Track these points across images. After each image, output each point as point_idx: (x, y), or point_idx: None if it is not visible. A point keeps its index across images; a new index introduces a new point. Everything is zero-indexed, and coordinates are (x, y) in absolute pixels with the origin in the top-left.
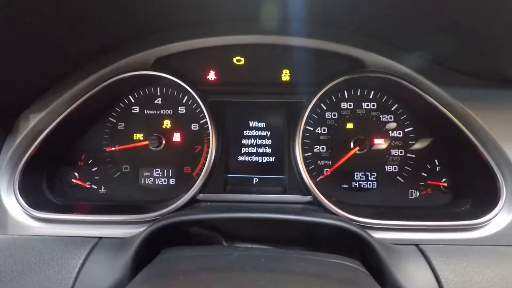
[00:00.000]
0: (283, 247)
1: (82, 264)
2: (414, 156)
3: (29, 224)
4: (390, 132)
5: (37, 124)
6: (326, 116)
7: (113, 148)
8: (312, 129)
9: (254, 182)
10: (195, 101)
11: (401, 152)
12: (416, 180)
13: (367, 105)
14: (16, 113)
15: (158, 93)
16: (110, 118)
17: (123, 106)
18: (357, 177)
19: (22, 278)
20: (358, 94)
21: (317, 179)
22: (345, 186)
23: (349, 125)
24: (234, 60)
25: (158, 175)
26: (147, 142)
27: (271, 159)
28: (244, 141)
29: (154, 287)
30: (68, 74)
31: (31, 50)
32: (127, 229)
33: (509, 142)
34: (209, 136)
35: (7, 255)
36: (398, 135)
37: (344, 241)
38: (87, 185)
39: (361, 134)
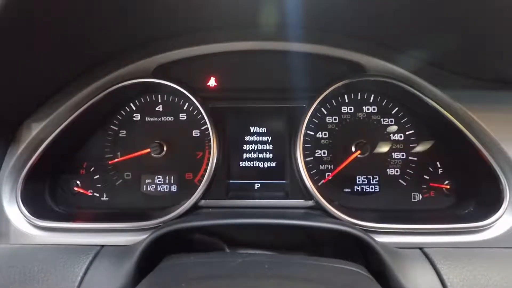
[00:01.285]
0: (286, 253)
1: (85, 273)
2: (416, 159)
3: (32, 233)
4: (391, 135)
5: (39, 133)
6: (327, 121)
7: (116, 160)
8: (313, 133)
9: (256, 188)
10: (196, 107)
11: (402, 155)
12: (418, 183)
13: (368, 109)
14: (18, 122)
15: (159, 100)
16: (111, 126)
17: (124, 113)
18: (359, 181)
19: (25, 287)
20: (358, 98)
21: (319, 184)
22: (347, 190)
23: (350, 129)
24: (234, 66)
25: (160, 182)
26: (148, 150)
27: (273, 164)
28: (245, 147)
29: None
30: (69, 82)
31: (33, 59)
32: (129, 236)
33: (511, 143)
34: (210, 142)
35: (10, 264)
36: (399, 138)
37: (347, 245)
38: (89, 193)
39: (362, 138)
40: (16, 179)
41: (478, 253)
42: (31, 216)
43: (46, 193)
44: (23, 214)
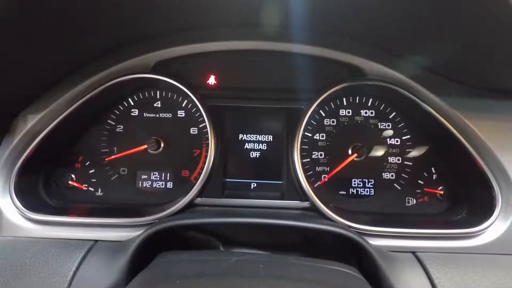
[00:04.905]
0: (281, 253)
1: (77, 267)
2: (411, 163)
3: (24, 226)
4: (388, 139)
5: (35, 125)
6: (325, 123)
7: (112, 157)
8: (310, 135)
9: (252, 187)
10: (194, 105)
11: (398, 160)
12: (413, 187)
13: (365, 113)
14: (14, 114)
15: (158, 97)
16: (108, 121)
17: (122, 108)
18: (354, 184)
19: (16, 280)
20: (357, 101)
21: (315, 185)
22: (342, 192)
23: (347, 132)
24: (234, 65)
25: (155, 179)
26: (145, 146)
27: (270, 164)
28: (242, 146)
29: None
30: (67, 75)
31: (31, 51)
32: (123, 232)
33: (504, 151)
34: (208, 140)
35: (1, 257)
36: (396, 143)
37: (341, 247)
38: (84, 187)
39: (359, 141)
40: (9, 171)
41: (469, 258)
42: (24, 209)
43: (40, 186)
44: (16, 206)
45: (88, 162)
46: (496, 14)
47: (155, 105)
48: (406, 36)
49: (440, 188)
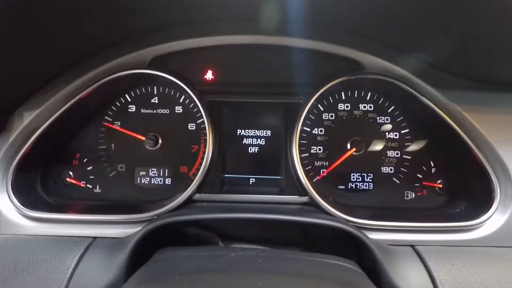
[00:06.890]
0: (280, 248)
1: (76, 264)
2: (410, 157)
3: (23, 223)
4: (387, 133)
5: (31, 122)
6: (323, 117)
7: (109, 148)
8: (309, 130)
9: (250, 183)
10: (192, 100)
11: (397, 154)
12: (411, 181)
13: (364, 107)
14: (9, 111)
15: (155, 92)
16: (106, 117)
17: (119, 105)
18: (353, 178)
19: (15, 278)
20: (355, 95)
21: (314, 180)
22: (341, 187)
23: (346, 127)
24: (232, 60)
25: (154, 175)
26: (143, 138)
27: (268, 159)
28: (241, 141)
29: None
30: (63, 71)
31: (26, 47)
32: (122, 229)
33: (503, 145)
34: (206, 136)
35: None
36: (395, 137)
37: (340, 241)
38: (82, 184)
39: (358, 135)
40: (6, 168)
41: (468, 251)
42: (22, 207)
43: (38, 183)
44: (13, 204)
45: (86, 159)
46: (497, 7)
47: (152, 101)
48: (405, 30)
49: (439, 181)
